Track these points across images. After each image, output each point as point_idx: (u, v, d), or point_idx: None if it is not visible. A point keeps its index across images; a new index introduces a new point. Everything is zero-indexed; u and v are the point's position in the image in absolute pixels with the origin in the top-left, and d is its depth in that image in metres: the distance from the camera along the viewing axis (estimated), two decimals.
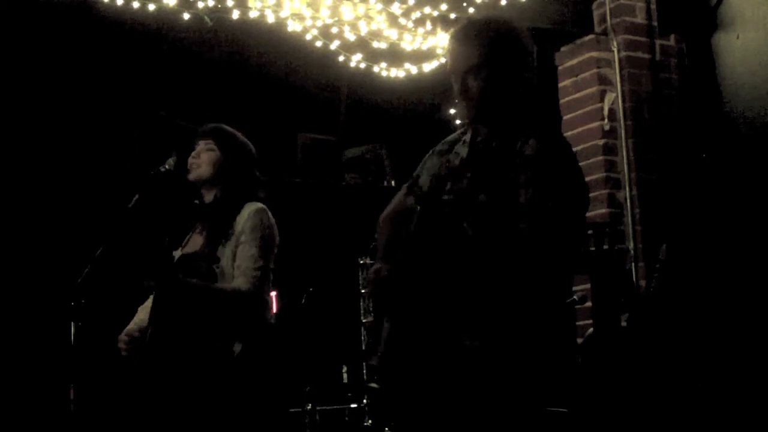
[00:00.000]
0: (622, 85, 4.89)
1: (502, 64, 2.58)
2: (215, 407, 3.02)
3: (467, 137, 2.69)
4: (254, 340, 3.13)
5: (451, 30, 2.89)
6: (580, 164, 2.64)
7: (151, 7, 4.35)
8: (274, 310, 3.43)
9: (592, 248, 3.88)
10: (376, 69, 4.93)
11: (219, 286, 3.14)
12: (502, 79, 2.58)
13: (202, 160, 3.30)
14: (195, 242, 3.29)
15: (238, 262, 3.15)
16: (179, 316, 3.09)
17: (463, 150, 2.66)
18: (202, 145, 3.32)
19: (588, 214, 4.62)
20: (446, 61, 2.70)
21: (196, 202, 3.35)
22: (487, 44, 2.57)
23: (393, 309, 2.61)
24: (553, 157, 2.49)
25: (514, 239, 2.40)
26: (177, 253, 3.28)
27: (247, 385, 3.06)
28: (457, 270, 2.45)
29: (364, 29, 4.70)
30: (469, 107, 2.62)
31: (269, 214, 3.27)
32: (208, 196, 3.33)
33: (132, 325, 3.29)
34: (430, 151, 2.82)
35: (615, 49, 4.90)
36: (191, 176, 3.30)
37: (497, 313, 2.42)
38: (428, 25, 4.75)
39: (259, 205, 3.28)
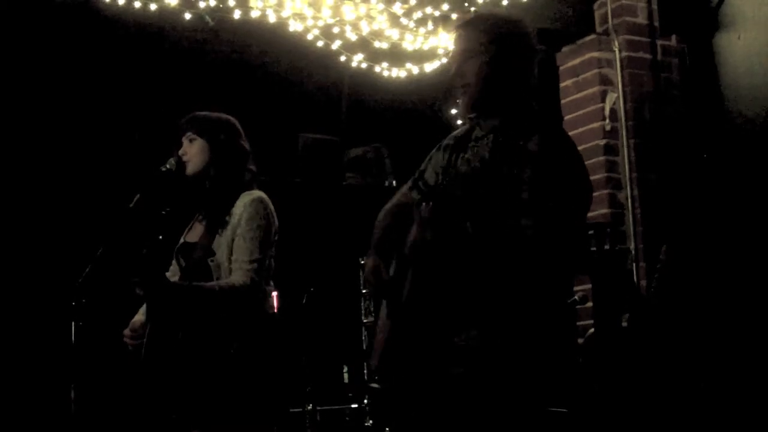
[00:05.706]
0: (623, 86, 4.89)
1: (504, 55, 2.55)
2: (215, 404, 3.02)
3: (477, 133, 2.66)
4: (254, 334, 3.10)
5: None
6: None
7: (153, 6, 4.35)
8: (275, 305, 3.39)
9: (593, 248, 3.89)
10: (377, 69, 4.93)
11: (211, 284, 3.09)
12: (502, 69, 2.55)
13: (190, 153, 3.25)
14: (196, 231, 3.27)
15: (235, 256, 3.10)
16: (173, 317, 3.06)
17: (483, 150, 2.60)
18: (185, 139, 3.28)
19: (589, 215, 4.67)
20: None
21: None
22: (490, 33, 2.55)
23: (392, 306, 2.61)
24: (556, 154, 2.47)
25: (515, 237, 2.39)
26: (181, 240, 3.26)
27: (248, 382, 3.05)
28: (457, 269, 2.45)
29: (365, 29, 4.70)
30: (465, 94, 2.59)
31: (267, 202, 3.20)
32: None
33: (136, 318, 3.27)
34: (437, 146, 2.79)
35: (616, 50, 4.90)
36: (188, 172, 3.25)
37: (496, 312, 2.42)
38: (430, 25, 4.75)
39: (257, 193, 3.21)
